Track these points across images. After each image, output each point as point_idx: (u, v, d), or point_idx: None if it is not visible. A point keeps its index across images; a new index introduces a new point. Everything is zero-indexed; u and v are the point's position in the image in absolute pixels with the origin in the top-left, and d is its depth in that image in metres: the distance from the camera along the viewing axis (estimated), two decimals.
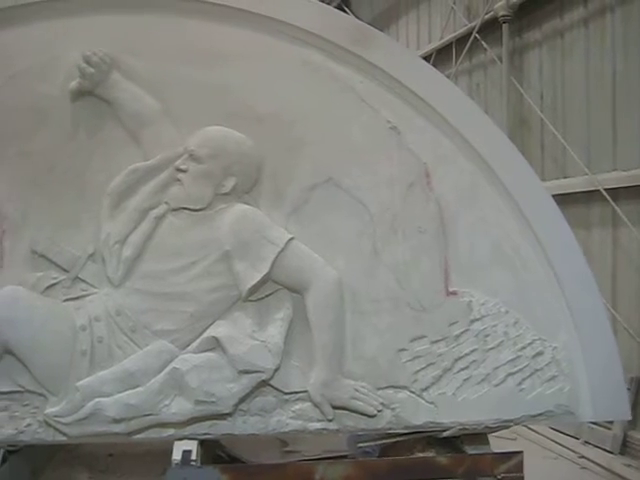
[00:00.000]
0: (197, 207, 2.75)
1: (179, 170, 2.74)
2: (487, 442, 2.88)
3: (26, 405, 2.67)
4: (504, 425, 2.84)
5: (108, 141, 2.82)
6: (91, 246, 2.76)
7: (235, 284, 2.71)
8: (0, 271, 2.72)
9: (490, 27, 6.52)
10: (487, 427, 2.81)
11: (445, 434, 2.84)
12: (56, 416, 2.62)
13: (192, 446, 2.65)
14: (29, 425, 2.66)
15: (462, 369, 2.81)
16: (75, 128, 2.80)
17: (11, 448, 2.75)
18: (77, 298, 2.74)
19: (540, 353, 2.84)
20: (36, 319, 2.63)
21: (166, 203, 2.76)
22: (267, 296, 2.76)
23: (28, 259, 2.74)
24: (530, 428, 5.36)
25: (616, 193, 5.10)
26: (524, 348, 2.83)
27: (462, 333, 2.82)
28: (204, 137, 2.77)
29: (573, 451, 5.21)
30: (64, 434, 2.65)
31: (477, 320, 2.83)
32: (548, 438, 5.44)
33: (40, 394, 2.66)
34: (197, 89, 2.82)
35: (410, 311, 2.81)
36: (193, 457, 2.60)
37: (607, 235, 5.30)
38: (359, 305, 2.80)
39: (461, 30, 7.08)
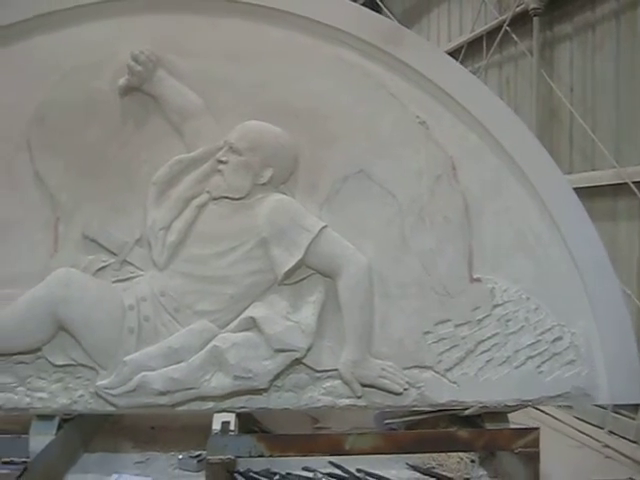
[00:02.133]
0: (237, 196, 2.92)
1: (220, 162, 2.91)
2: (507, 420, 3.00)
3: (79, 377, 2.88)
4: (523, 405, 2.98)
5: (153, 134, 3.00)
6: (138, 231, 2.95)
7: (271, 268, 2.87)
8: (55, 254, 2.93)
9: (521, 20, 6.52)
10: (507, 406, 2.95)
11: (467, 412, 3.00)
12: (106, 388, 2.83)
13: (230, 418, 2.84)
14: (81, 396, 2.88)
15: (484, 351, 2.94)
16: (123, 122, 2.99)
17: (65, 417, 2.97)
18: (125, 280, 2.94)
19: (559, 338, 2.96)
20: (88, 299, 2.84)
21: (208, 192, 2.93)
22: (301, 280, 2.92)
23: (80, 243, 2.94)
24: (555, 417, 5.42)
25: None
26: (544, 333, 2.96)
27: (485, 318, 2.96)
28: (243, 131, 2.93)
29: (597, 440, 5.21)
30: (113, 405, 2.86)
31: (499, 306, 2.96)
32: (572, 427, 5.48)
33: (91, 367, 2.87)
34: (236, 86, 2.98)
35: (435, 296, 2.96)
36: (232, 427, 2.79)
37: (634, 227, 5.31)
38: (387, 289, 2.94)
39: (492, 23, 7.06)
